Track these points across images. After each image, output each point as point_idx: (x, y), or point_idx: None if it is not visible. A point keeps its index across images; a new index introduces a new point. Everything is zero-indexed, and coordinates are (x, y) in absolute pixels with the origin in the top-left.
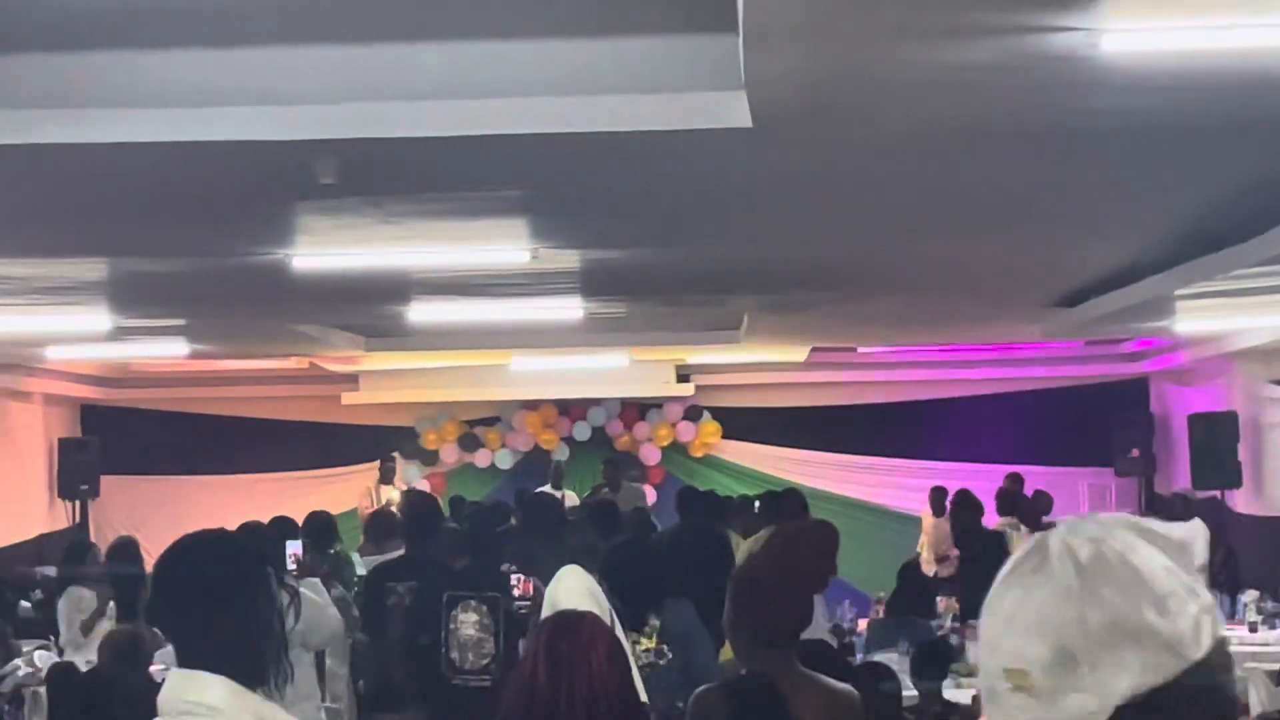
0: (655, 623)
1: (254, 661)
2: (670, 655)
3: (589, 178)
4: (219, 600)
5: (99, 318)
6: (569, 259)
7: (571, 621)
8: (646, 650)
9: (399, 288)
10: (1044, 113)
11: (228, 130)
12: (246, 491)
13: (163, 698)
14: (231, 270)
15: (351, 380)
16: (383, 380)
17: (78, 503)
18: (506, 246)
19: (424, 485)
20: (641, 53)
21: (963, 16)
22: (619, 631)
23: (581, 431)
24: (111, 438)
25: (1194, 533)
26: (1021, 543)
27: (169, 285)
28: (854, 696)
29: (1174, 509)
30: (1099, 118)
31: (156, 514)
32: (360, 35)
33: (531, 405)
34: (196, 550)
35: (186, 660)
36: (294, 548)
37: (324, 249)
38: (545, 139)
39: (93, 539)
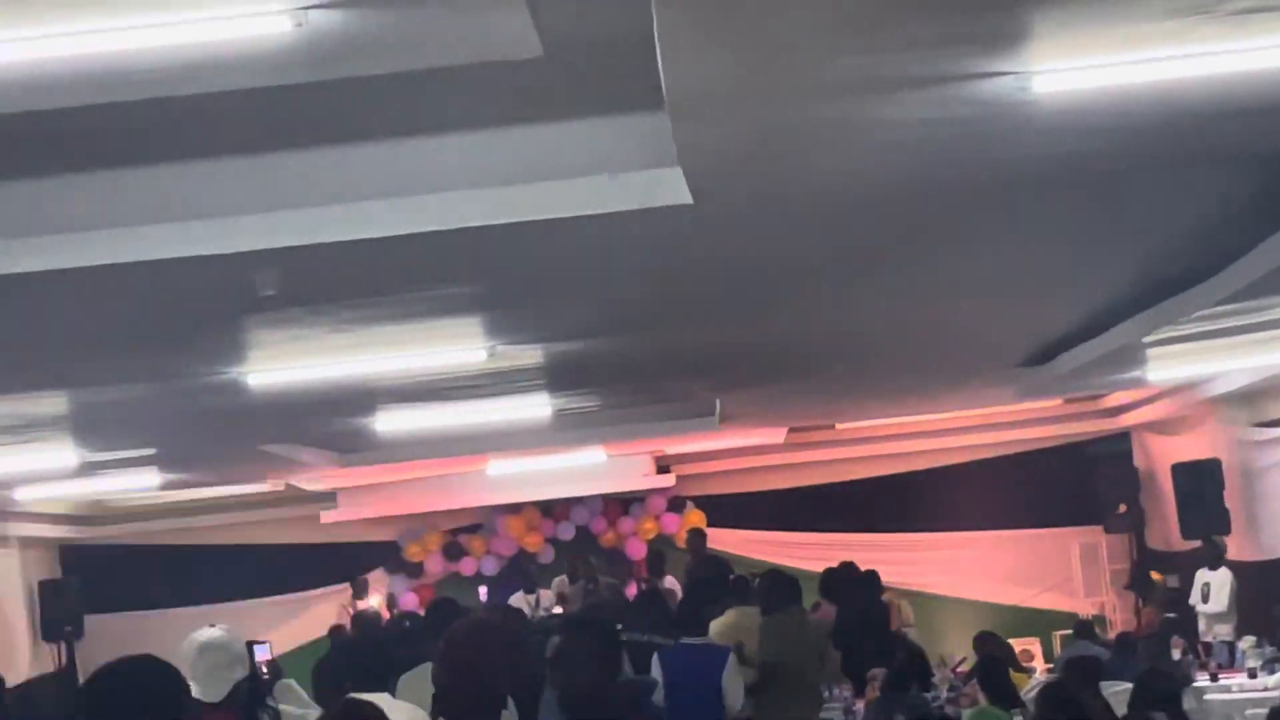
0: None
1: None
2: None
3: (535, 267)
4: None
5: (65, 454)
6: (529, 355)
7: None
8: None
9: (363, 398)
10: (984, 163)
11: (161, 248)
12: (232, 619)
13: None
14: (190, 393)
15: (329, 498)
16: (361, 496)
17: (63, 645)
18: (462, 346)
19: (411, 599)
20: (576, 137)
21: (883, 68)
22: None
23: (565, 531)
24: (92, 576)
25: (1223, 579)
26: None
27: (131, 414)
28: None
29: (1204, 558)
30: (1041, 164)
31: (144, 650)
32: (288, 142)
33: (513, 509)
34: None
35: None
36: (261, 652)
37: (278, 364)
38: (485, 231)
39: (80, 681)
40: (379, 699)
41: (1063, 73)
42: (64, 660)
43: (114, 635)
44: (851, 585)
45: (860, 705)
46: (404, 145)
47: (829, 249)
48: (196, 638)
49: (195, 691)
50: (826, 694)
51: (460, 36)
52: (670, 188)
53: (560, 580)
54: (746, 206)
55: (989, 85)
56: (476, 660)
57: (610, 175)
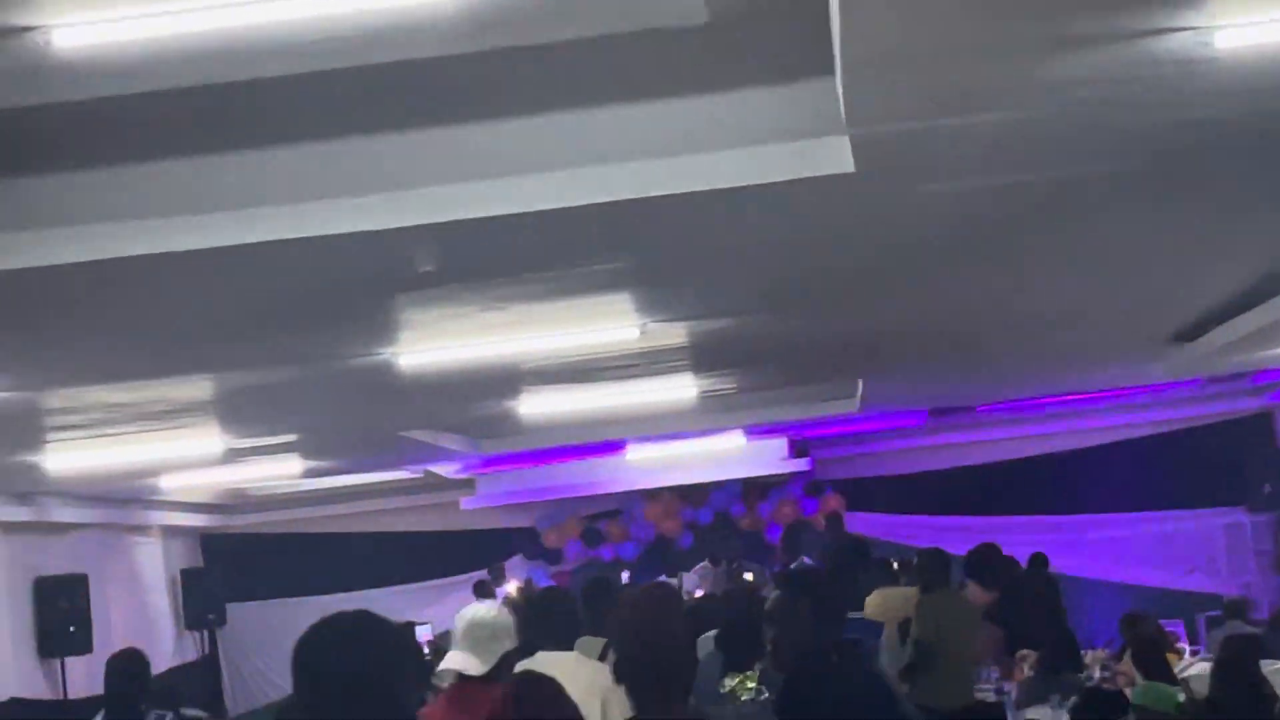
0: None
1: None
2: (766, 694)
3: (691, 241)
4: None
5: (211, 441)
6: (677, 333)
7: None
8: (749, 688)
9: (509, 380)
10: (1159, 124)
11: (317, 225)
12: (373, 607)
13: None
14: (338, 376)
15: (468, 485)
16: (499, 482)
17: (205, 633)
18: (614, 324)
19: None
20: (734, 106)
21: (1061, 25)
22: None
23: (704, 516)
24: (233, 565)
25: None
26: None
27: (277, 399)
28: None
29: None
30: (1219, 125)
31: (285, 638)
32: (449, 115)
33: (651, 494)
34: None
35: None
36: (424, 633)
37: (429, 344)
38: (642, 204)
39: (222, 668)
40: (558, 659)
41: (1247, 27)
42: (207, 648)
43: (255, 623)
44: (1009, 565)
45: (1011, 686)
46: (563, 117)
47: (990, 218)
48: (464, 613)
49: (462, 664)
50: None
51: (626, 3)
52: (831, 156)
53: (704, 565)
54: (910, 174)
55: (1168, 41)
56: (661, 629)
57: (769, 144)
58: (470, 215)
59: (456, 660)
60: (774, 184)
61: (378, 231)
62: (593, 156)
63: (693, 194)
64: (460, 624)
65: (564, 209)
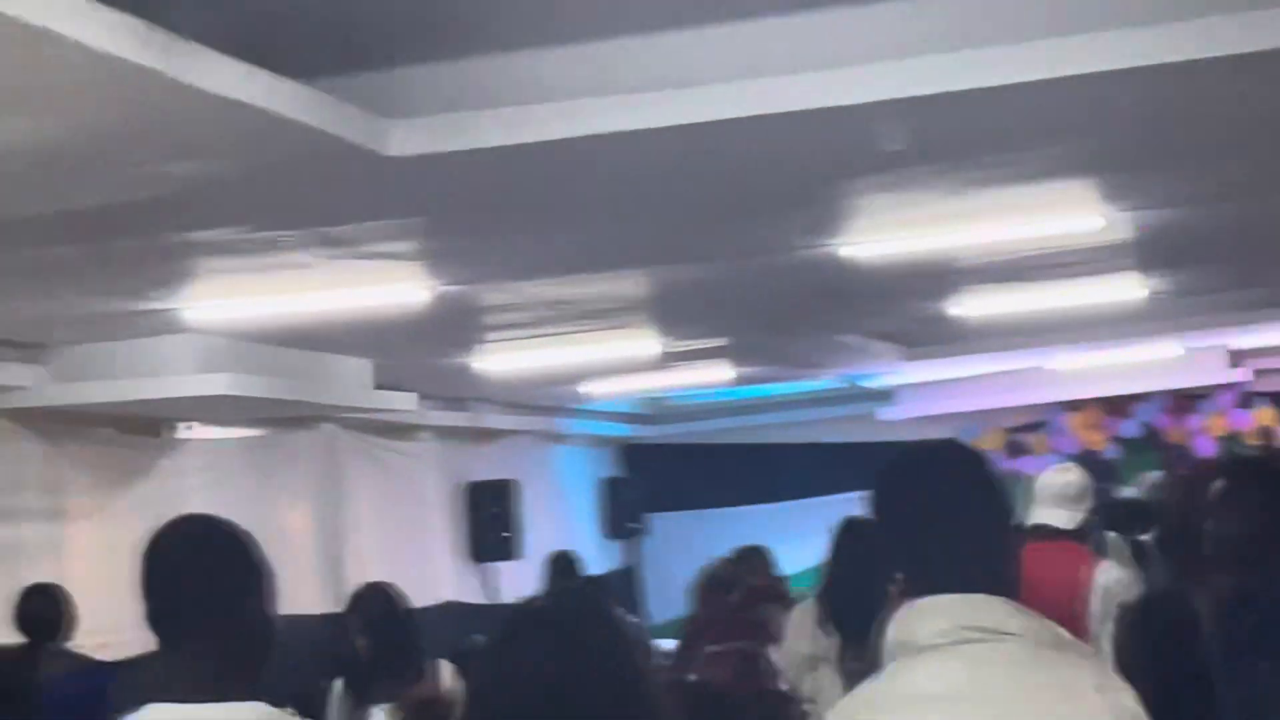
0: None
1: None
2: None
3: (1166, 119)
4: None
5: (645, 343)
6: (1130, 226)
7: None
8: None
9: (948, 279)
10: None
11: (784, 100)
12: (791, 518)
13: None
14: (782, 271)
15: (886, 395)
16: (919, 392)
17: (626, 542)
18: (1075, 212)
19: None
20: None
21: None
22: None
23: (1129, 428)
24: (653, 474)
25: None
26: None
27: (715, 296)
28: None
29: None
30: None
31: (705, 549)
32: None
33: (1076, 405)
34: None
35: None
36: None
37: (880, 235)
38: (1124, 76)
39: (643, 578)
40: None
41: None
42: (628, 557)
43: (676, 533)
44: None
45: None
46: None
47: None
48: (1051, 474)
49: (1058, 519)
50: None
51: None
52: None
53: (1156, 475)
54: None
55: None
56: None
57: (1228, 14)
58: (944, 89)
59: (1048, 515)
60: (1245, 55)
61: (846, 107)
62: (1062, 28)
63: (1164, 66)
64: (1050, 483)
65: (1040, 81)
